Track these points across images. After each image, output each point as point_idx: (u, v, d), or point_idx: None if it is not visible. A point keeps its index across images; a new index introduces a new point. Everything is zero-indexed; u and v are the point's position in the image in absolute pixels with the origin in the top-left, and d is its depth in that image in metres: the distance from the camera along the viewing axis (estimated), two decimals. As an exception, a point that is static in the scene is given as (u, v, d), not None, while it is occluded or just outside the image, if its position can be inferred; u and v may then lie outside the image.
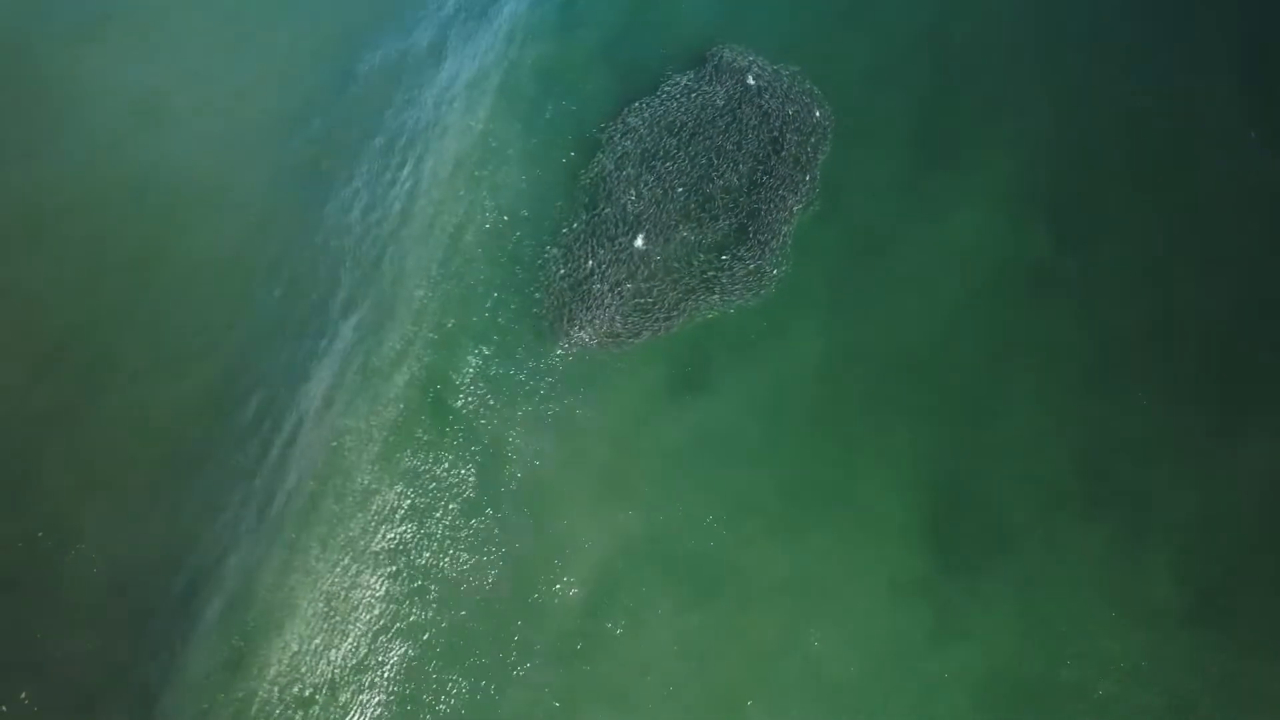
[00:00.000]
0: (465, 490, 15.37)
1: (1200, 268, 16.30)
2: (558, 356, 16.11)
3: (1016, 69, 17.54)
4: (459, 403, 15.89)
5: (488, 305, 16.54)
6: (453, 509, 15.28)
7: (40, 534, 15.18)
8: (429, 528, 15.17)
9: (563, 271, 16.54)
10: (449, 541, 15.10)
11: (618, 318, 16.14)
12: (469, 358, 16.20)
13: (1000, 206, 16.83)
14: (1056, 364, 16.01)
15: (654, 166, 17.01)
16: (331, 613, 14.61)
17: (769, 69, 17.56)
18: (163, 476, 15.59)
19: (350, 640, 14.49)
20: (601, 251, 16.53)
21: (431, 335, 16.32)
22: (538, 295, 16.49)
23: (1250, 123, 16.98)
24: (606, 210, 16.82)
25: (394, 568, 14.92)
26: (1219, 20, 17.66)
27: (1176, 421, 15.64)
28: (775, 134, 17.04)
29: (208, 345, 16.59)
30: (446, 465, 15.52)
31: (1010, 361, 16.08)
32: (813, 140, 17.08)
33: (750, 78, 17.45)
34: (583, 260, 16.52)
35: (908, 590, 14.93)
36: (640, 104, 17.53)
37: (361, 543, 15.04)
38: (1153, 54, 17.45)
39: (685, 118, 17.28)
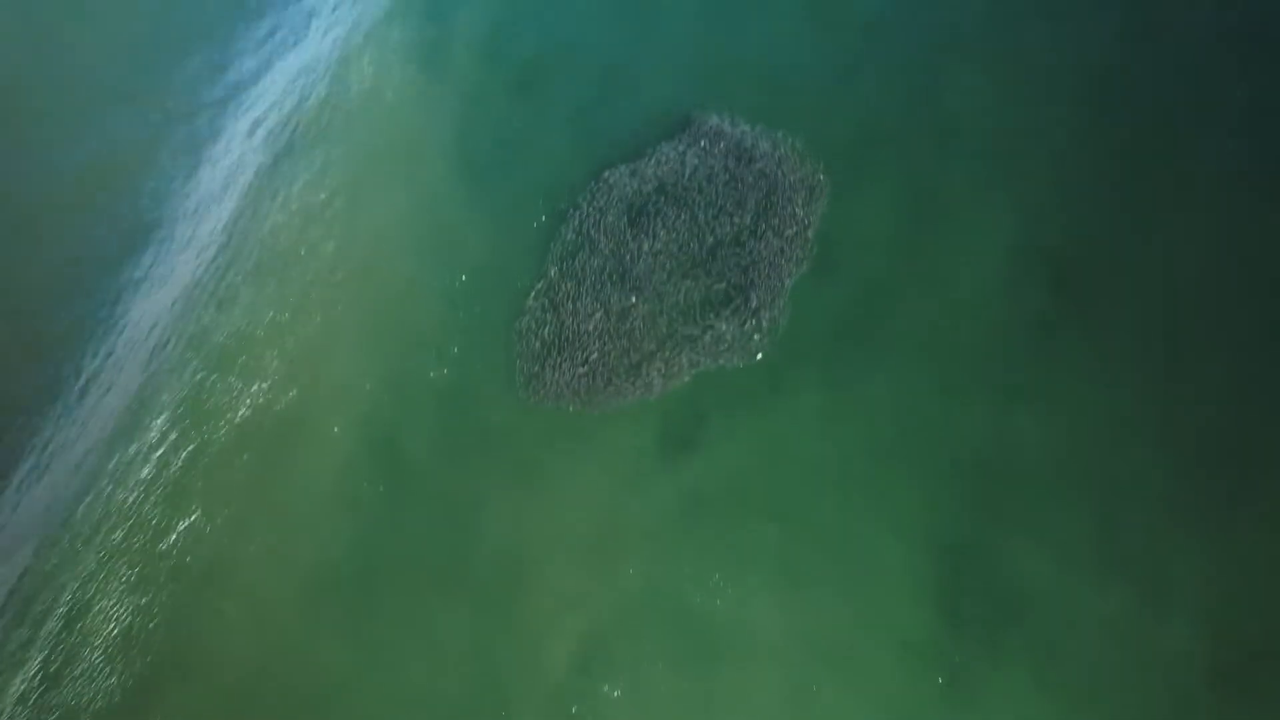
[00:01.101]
0: (438, 550, 15.35)
1: (1208, 322, 15.92)
2: (539, 413, 16.13)
3: (1011, 125, 17.51)
4: (432, 463, 16.06)
5: (455, 360, 16.81)
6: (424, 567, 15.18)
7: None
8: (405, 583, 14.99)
9: (546, 324, 16.66)
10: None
11: (600, 375, 16.11)
12: (441, 414, 16.41)
13: (1000, 263, 16.57)
14: (1064, 420, 15.46)
15: (639, 222, 17.11)
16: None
17: (761, 132, 17.74)
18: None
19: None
20: (584, 307, 16.60)
21: (397, 393, 16.61)
22: (518, 350, 16.62)
23: (1254, 175, 16.82)
24: (589, 265, 16.94)
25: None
26: (1221, 75, 17.69)
27: (1191, 483, 14.91)
28: (769, 194, 17.11)
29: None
30: (419, 522, 15.58)
31: (1016, 418, 15.60)
32: (808, 200, 17.09)
33: (741, 139, 17.64)
34: (565, 314, 16.61)
35: (918, 650, 14.32)
36: (623, 166, 17.71)
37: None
38: (1152, 107, 17.44)
39: (672, 178, 17.41)
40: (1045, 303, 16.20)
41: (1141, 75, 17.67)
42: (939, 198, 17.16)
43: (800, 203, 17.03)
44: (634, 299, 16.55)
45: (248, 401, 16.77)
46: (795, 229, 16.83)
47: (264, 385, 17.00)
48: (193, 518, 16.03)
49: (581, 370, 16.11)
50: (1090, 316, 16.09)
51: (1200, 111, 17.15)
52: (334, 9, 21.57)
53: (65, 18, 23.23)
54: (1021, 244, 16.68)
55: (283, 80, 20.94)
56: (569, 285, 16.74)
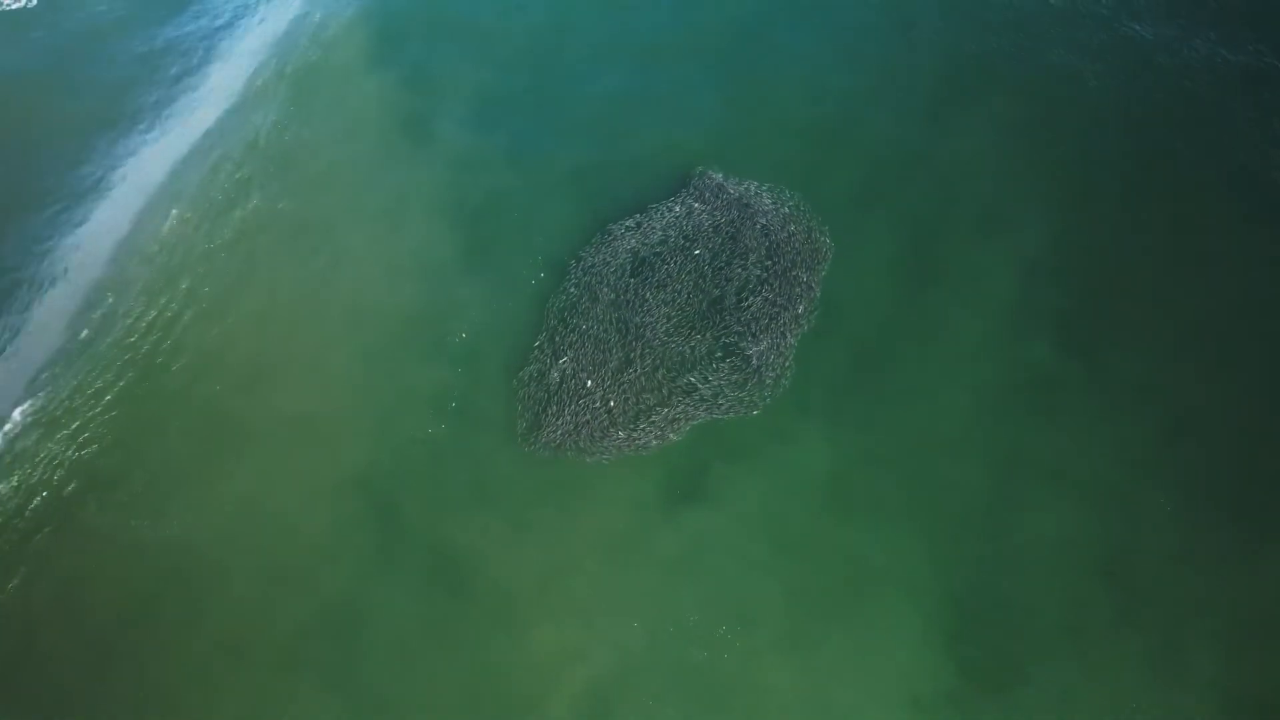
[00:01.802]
0: (432, 601, 14.84)
1: (1210, 372, 16.03)
2: (540, 464, 15.79)
3: (1009, 185, 17.98)
4: (428, 515, 15.61)
5: (454, 414, 16.46)
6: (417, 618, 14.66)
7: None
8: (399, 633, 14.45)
9: (547, 375, 16.46)
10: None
11: (601, 426, 15.92)
12: (438, 468, 16.00)
13: (1001, 318, 16.78)
14: (1072, 472, 15.41)
15: (642, 274, 17.20)
16: None
17: (763, 189, 17.96)
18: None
19: None
20: (586, 358, 16.50)
21: (393, 448, 16.23)
22: (519, 399, 16.34)
23: (1258, 220, 17.19)
24: (591, 316, 16.90)
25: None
26: (1220, 120, 18.27)
27: (1202, 529, 14.85)
28: (772, 250, 17.25)
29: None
30: (413, 573, 15.10)
31: (1023, 470, 15.51)
32: (810, 255, 17.21)
33: (743, 196, 17.84)
34: (566, 365, 16.47)
35: (932, 705, 13.84)
36: (625, 220, 17.86)
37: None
38: (1149, 159, 17.91)
39: (675, 232, 17.56)
40: (1047, 355, 16.31)
41: (1137, 127, 18.29)
42: (938, 254, 17.41)
43: (803, 257, 17.15)
44: (636, 350, 16.44)
45: (235, 456, 16.35)
46: (798, 283, 16.90)
47: (252, 438, 16.57)
48: (173, 565, 15.42)
49: (585, 419, 15.88)
50: (1093, 366, 16.19)
51: (1200, 161, 17.68)
52: (304, 58, 21.81)
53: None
54: (1021, 299, 16.88)
55: (247, 135, 20.96)
56: (571, 336, 16.63)
